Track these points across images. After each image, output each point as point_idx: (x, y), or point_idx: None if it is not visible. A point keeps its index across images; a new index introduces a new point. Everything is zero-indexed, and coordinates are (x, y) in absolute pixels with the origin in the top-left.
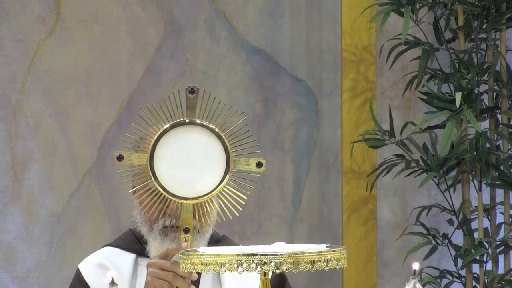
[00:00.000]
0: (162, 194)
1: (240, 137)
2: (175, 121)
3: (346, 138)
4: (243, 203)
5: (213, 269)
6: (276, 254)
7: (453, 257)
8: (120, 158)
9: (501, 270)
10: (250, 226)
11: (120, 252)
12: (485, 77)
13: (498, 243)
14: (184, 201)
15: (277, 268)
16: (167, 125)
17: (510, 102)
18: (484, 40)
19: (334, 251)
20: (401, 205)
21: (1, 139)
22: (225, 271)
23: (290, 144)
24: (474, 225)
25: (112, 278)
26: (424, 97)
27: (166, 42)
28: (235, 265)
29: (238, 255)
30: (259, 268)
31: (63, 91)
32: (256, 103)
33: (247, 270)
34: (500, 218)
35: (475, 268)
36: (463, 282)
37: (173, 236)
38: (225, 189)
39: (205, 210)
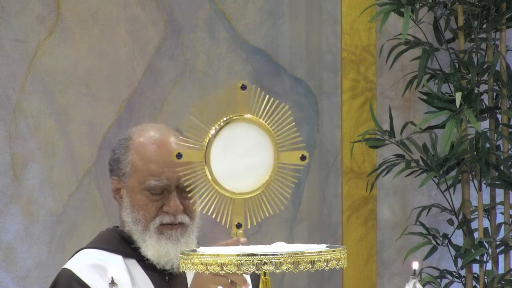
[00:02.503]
0: (216, 190)
1: (284, 131)
2: (228, 117)
3: (346, 138)
4: (288, 196)
5: (213, 269)
6: (276, 254)
7: (453, 257)
8: (179, 156)
9: (501, 270)
10: (250, 226)
11: (106, 254)
12: (485, 77)
13: (498, 243)
14: (237, 197)
15: (277, 268)
16: (221, 122)
17: (510, 102)
18: (484, 40)
19: (334, 251)
20: (401, 205)
21: (1, 139)
22: (225, 271)
23: None
24: (474, 225)
25: (112, 278)
26: (424, 97)
27: (166, 42)
28: (235, 265)
29: (238, 255)
30: (259, 268)
31: (63, 91)
32: None
33: (247, 270)
34: (500, 218)
35: (475, 268)
36: (463, 282)
37: (169, 234)
38: (271, 183)
39: (255, 205)
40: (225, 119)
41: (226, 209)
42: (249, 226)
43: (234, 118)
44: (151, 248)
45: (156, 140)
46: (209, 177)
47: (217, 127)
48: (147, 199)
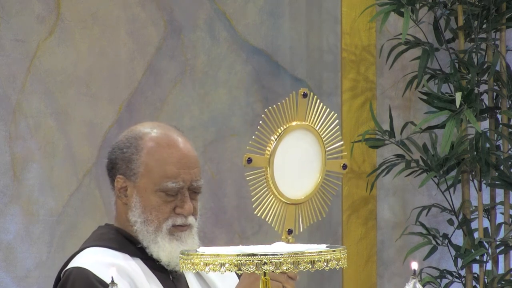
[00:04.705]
0: (274, 196)
1: (331, 139)
2: (289, 124)
3: (346, 138)
4: (329, 203)
5: (213, 269)
6: (276, 254)
7: (453, 257)
8: (249, 160)
9: (501, 270)
10: (250, 226)
11: (114, 252)
12: (485, 77)
13: (498, 243)
14: (291, 203)
15: (277, 268)
16: (283, 128)
17: (510, 102)
18: (484, 40)
19: (334, 251)
20: (401, 205)
21: (1, 139)
22: (225, 271)
23: None
24: (474, 225)
25: (112, 278)
26: (424, 97)
27: (166, 42)
28: (235, 265)
29: (238, 255)
30: (259, 268)
31: (63, 91)
32: (256, 103)
33: (247, 270)
34: (500, 218)
35: (475, 268)
36: (463, 282)
37: (179, 236)
38: (318, 190)
39: (303, 211)
40: (287, 125)
41: (280, 215)
42: (297, 233)
43: (294, 125)
44: (164, 249)
45: (169, 141)
46: (271, 183)
47: (280, 134)
48: (161, 200)
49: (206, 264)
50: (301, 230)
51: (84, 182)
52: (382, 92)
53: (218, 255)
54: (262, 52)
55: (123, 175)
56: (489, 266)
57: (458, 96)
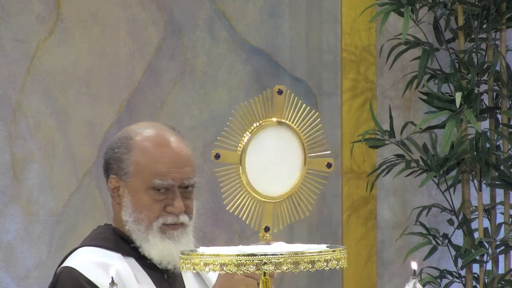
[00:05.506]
0: (248, 193)
1: (313, 137)
2: (263, 121)
3: (346, 138)
4: (313, 202)
5: (213, 269)
6: (276, 254)
7: (453, 257)
8: (217, 156)
9: (501, 270)
10: (250, 226)
11: (106, 252)
12: (485, 77)
13: (498, 243)
14: (267, 200)
15: (277, 268)
16: (257, 125)
17: (510, 102)
18: (484, 40)
19: (334, 251)
20: (401, 205)
21: (1, 139)
22: (225, 271)
23: None
24: (474, 225)
25: (112, 278)
26: (424, 97)
27: (166, 42)
28: (235, 265)
29: (238, 255)
30: (259, 268)
31: (63, 91)
32: None
33: (247, 270)
34: (500, 218)
35: (475, 268)
36: (463, 282)
37: (171, 234)
38: (298, 188)
39: (283, 209)
40: (261, 122)
41: (256, 212)
42: (275, 230)
43: (269, 122)
44: (155, 248)
45: (160, 140)
46: (243, 179)
47: (253, 130)
48: (151, 199)
49: (206, 264)
50: (281, 228)
51: (84, 182)
52: (382, 92)
53: (218, 255)
54: (262, 52)
55: (115, 175)
56: (489, 266)
57: (458, 96)
